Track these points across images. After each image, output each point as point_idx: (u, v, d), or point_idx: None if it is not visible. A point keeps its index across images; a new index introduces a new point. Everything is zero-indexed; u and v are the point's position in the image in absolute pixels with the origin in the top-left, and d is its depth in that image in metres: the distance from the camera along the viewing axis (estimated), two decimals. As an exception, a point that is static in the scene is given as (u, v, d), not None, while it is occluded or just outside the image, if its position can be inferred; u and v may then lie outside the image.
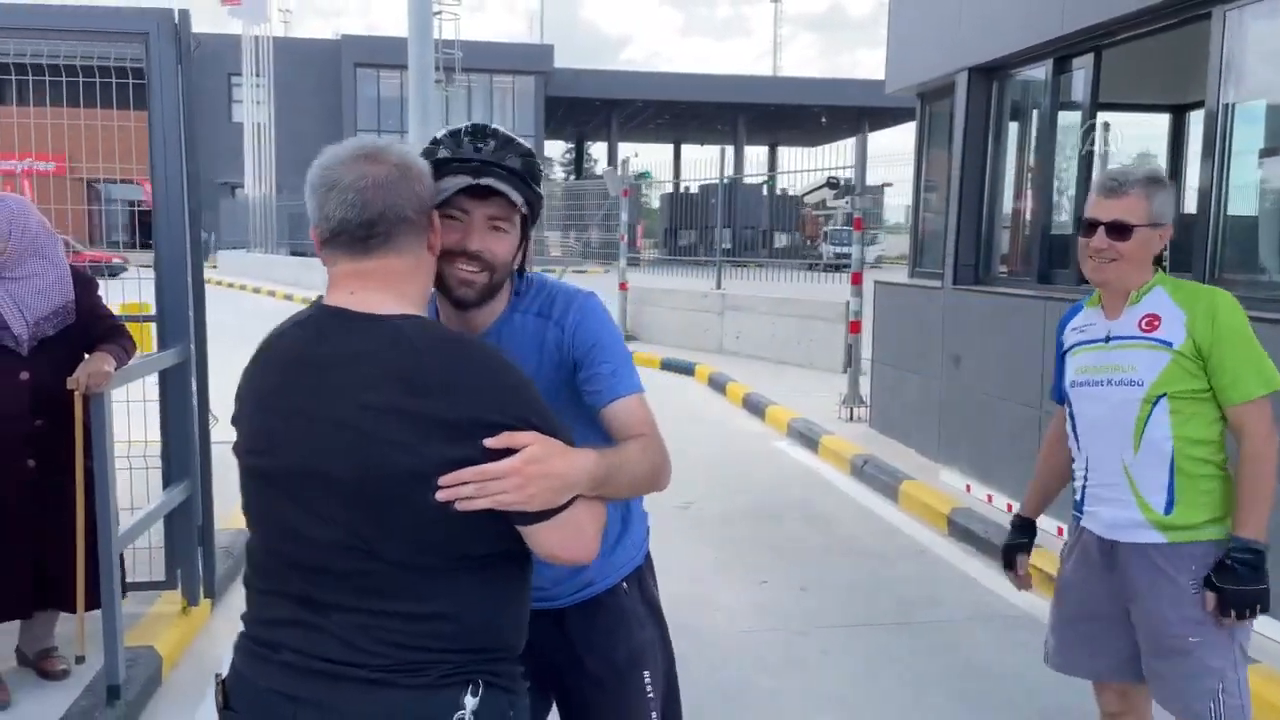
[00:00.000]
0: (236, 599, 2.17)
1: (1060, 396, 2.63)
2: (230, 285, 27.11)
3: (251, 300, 22.96)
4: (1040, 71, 6.04)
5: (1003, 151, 6.60)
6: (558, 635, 1.99)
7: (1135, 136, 7.97)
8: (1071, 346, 2.58)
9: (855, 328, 8.47)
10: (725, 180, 16.71)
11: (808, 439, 7.91)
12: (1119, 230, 2.38)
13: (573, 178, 49.42)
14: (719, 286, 14.37)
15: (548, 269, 17.63)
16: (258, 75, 32.89)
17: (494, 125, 1.81)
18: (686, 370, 11.81)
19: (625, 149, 53.14)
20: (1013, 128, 6.58)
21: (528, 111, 41.70)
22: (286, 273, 27.26)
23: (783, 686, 3.89)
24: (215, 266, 30.84)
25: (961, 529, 5.59)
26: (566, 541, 1.48)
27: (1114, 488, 2.44)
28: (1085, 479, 2.53)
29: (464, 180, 1.70)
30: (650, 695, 2.03)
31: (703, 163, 49.98)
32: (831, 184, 9.84)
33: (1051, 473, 2.76)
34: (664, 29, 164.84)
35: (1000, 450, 5.97)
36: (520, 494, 1.39)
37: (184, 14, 3.66)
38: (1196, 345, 2.33)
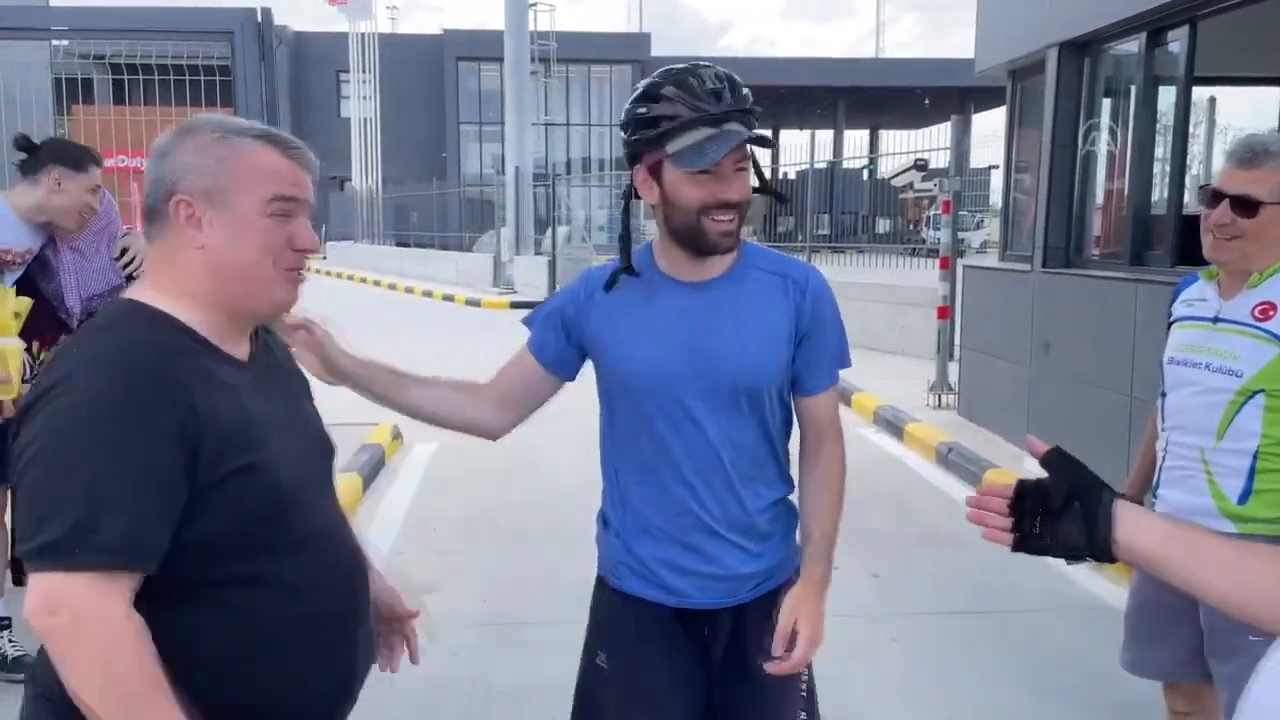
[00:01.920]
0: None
1: None
2: (339, 276, 28.08)
3: (359, 290, 23.77)
4: (1133, 45, 5.80)
5: (1095, 129, 6.37)
6: (734, 631, 1.88)
7: (1245, 110, 7.57)
8: (1178, 319, 2.44)
9: (943, 313, 8.29)
10: (814, 165, 16.44)
11: (893, 426, 7.79)
12: (1245, 205, 2.20)
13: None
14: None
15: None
16: (364, 71, 33.89)
17: (713, 68, 1.73)
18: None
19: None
20: (1105, 104, 6.34)
21: (624, 100, 41.88)
22: (391, 263, 28.10)
23: (847, 673, 3.88)
24: (325, 258, 31.96)
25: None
26: None
27: (1190, 475, 2.33)
28: (1164, 461, 2.42)
29: (733, 133, 1.67)
30: (804, 694, 1.93)
31: (802, 147, 49.22)
32: (919, 166, 9.64)
33: (1154, 452, 2.59)
34: (765, 13, 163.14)
35: (1088, 438, 5.78)
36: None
37: (266, 12, 3.86)
38: None
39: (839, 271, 15.19)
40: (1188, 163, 7.15)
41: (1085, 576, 4.72)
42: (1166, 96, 5.73)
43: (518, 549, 5.32)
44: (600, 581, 1.96)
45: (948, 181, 8.61)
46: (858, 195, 30.14)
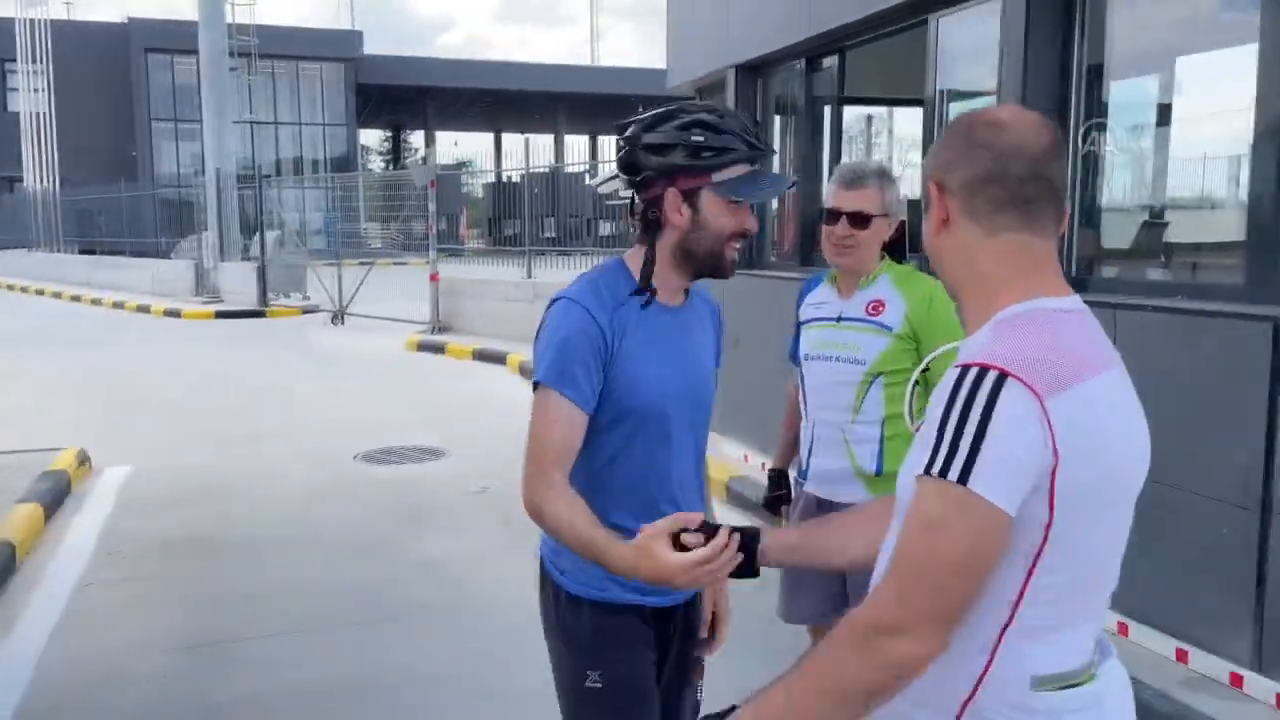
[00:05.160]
0: None
1: (797, 359, 2.94)
2: (10, 288, 25.11)
3: (34, 304, 21.41)
4: (796, 69, 6.51)
5: (770, 142, 7.08)
6: (686, 621, 2.10)
7: (895, 128, 8.63)
8: (807, 321, 2.87)
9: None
10: (532, 169, 16.77)
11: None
12: (859, 219, 2.67)
13: (391, 167, 48.21)
14: (529, 276, 14.52)
15: (365, 261, 17.26)
16: (35, 61, 30.48)
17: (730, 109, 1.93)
18: (499, 360, 11.93)
19: (444, 137, 52.38)
20: (777, 120, 7.05)
21: (337, 99, 40.40)
22: (76, 272, 25.49)
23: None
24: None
25: (738, 495, 6.00)
26: None
27: (833, 452, 2.76)
28: (811, 443, 2.85)
29: (785, 176, 1.91)
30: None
31: (526, 150, 49.60)
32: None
33: (795, 429, 3.06)
34: (482, 14, 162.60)
35: (775, 420, 6.43)
36: None
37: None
38: (913, 328, 2.66)
39: (562, 274, 15.60)
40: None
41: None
42: (825, 114, 6.48)
43: (217, 569, 5.16)
44: (574, 602, 1.96)
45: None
46: (581, 199, 30.87)
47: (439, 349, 13.15)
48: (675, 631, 2.07)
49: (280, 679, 3.91)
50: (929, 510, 1.18)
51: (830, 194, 2.76)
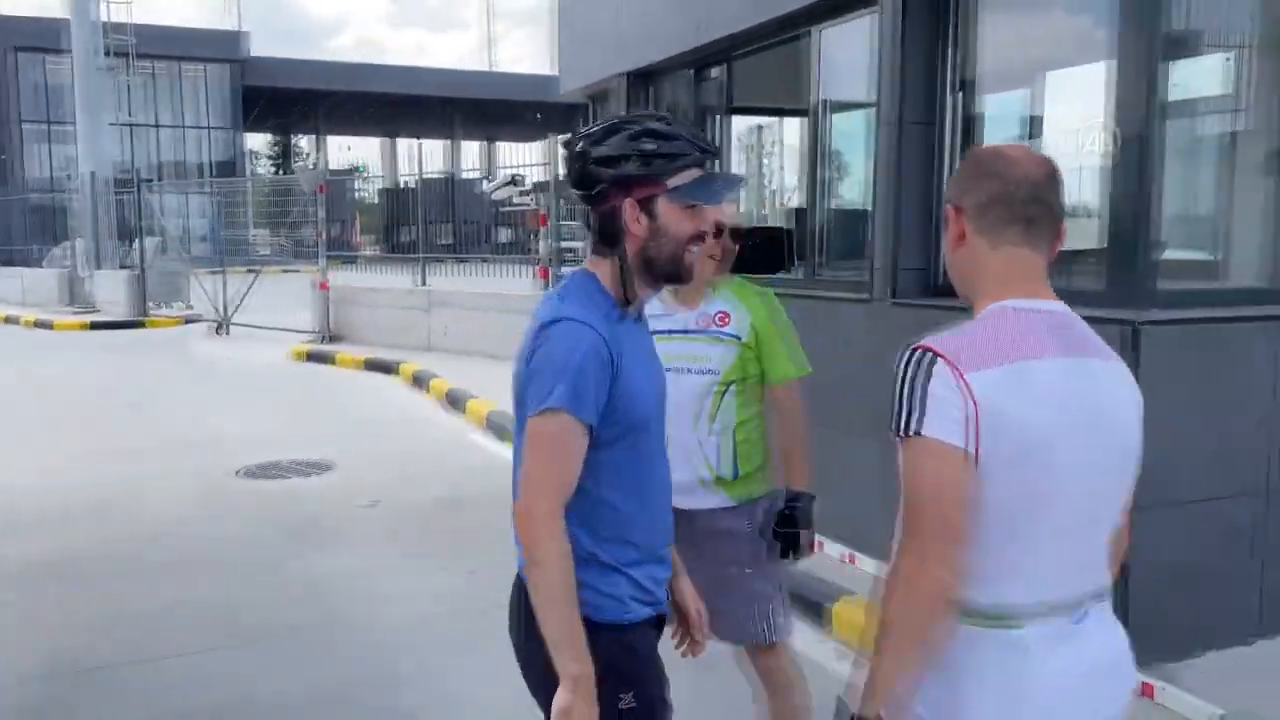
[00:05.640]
0: None
1: None
2: None
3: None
4: (686, 78, 6.57)
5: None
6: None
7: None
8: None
9: (544, 320, 8.77)
10: (425, 174, 16.56)
11: (502, 429, 8.11)
12: (732, 232, 2.73)
13: (280, 172, 46.86)
14: (424, 283, 14.29)
15: (252, 269, 16.71)
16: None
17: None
18: (390, 369, 11.69)
19: (335, 142, 51.22)
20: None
21: (222, 102, 39.11)
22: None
23: (455, 665, 4.05)
24: None
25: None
26: None
27: (690, 463, 2.76)
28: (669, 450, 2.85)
29: (738, 176, 1.98)
30: None
31: (426, 155, 48.79)
32: (515, 181, 10.11)
33: None
34: (375, 17, 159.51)
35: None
36: None
37: None
38: (757, 336, 2.74)
39: (456, 282, 15.43)
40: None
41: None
42: (715, 123, 6.55)
43: (88, 592, 4.90)
44: (598, 628, 1.82)
45: (544, 196, 9.12)
46: (479, 205, 30.58)
47: (328, 359, 12.82)
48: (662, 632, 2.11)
49: (149, 707, 3.73)
50: (905, 463, 1.49)
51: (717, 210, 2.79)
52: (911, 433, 1.47)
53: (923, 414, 1.46)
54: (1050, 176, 1.57)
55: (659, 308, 2.85)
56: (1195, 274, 4.48)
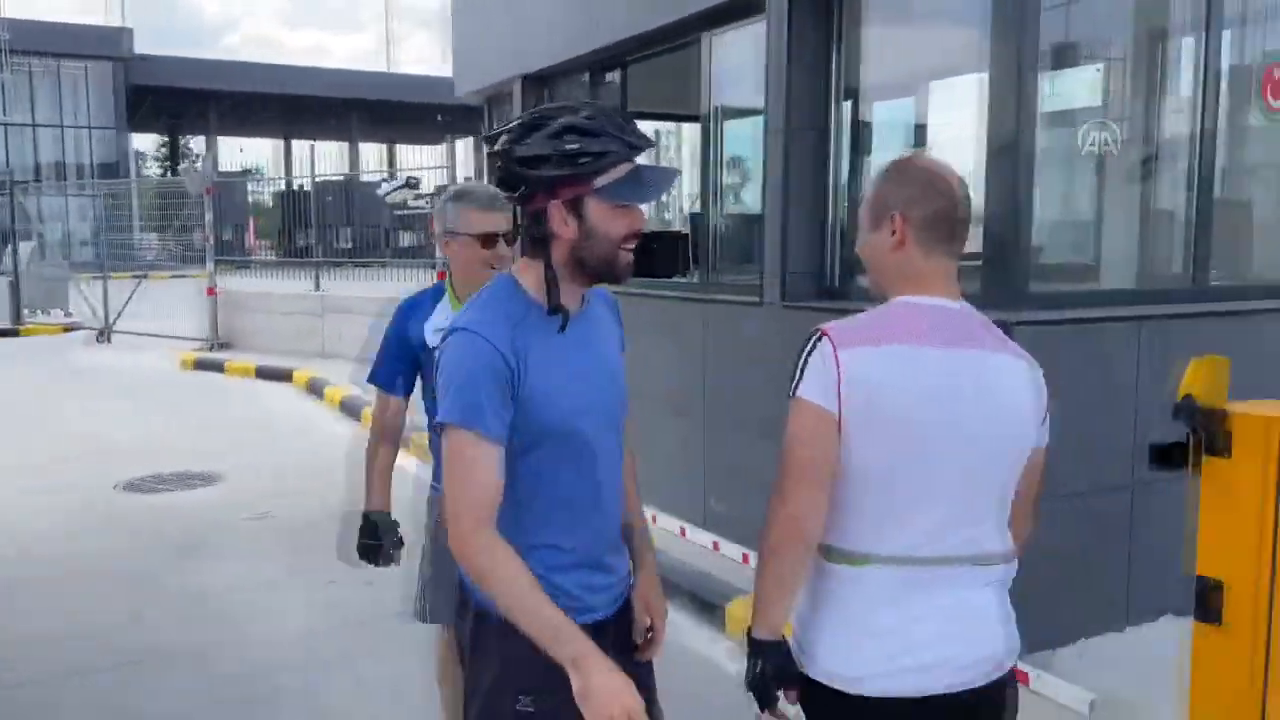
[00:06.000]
0: None
1: (389, 382, 2.81)
2: None
3: None
4: (582, 82, 6.57)
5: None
6: (619, 630, 1.97)
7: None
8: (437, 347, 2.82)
9: (441, 325, 8.65)
10: (324, 178, 16.17)
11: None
12: (498, 238, 2.73)
13: (169, 174, 45.17)
14: (317, 288, 13.94)
15: (137, 274, 16.04)
16: None
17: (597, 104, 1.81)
18: (283, 377, 11.37)
19: (229, 143, 49.60)
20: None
21: (105, 101, 37.44)
22: None
23: (336, 680, 3.95)
24: None
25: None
26: None
27: None
28: None
29: (671, 169, 1.90)
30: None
31: (324, 157, 47.66)
32: (410, 184, 9.95)
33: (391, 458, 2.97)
34: (270, 16, 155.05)
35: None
36: None
37: None
38: None
39: (354, 287, 15.09)
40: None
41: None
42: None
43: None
44: (505, 627, 1.78)
45: (438, 200, 8.98)
46: (379, 209, 30.01)
47: (218, 367, 12.39)
48: (609, 645, 1.92)
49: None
50: (789, 420, 1.75)
51: (472, 218, 2.74)
52: (793, 395, 1.74)
53: (801, 380, 1.73)
54: (967, 195, 1.82)
55: (444, 318, 2.77)
56: (1069, 276, 4.67)
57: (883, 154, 5.12)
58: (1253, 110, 4.79)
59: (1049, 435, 1.92)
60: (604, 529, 1.90)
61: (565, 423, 1.79)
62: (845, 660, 1.76)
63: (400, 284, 15.26)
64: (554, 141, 1.69)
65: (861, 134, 4.97)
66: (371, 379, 2.87)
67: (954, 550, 1.76)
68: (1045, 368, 1.92)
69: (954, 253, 1.81)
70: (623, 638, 1.98)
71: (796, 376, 1.74)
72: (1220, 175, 4.54)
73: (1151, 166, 4.67)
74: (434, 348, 2.76)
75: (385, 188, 10.03)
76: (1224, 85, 4.45)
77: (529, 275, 1.80)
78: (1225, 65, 4.46)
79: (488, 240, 2.72)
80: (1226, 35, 4.39)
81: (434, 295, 2.84)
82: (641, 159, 1.77)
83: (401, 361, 2.81)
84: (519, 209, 1.78)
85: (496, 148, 1.75)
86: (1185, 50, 4.38)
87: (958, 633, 1.77)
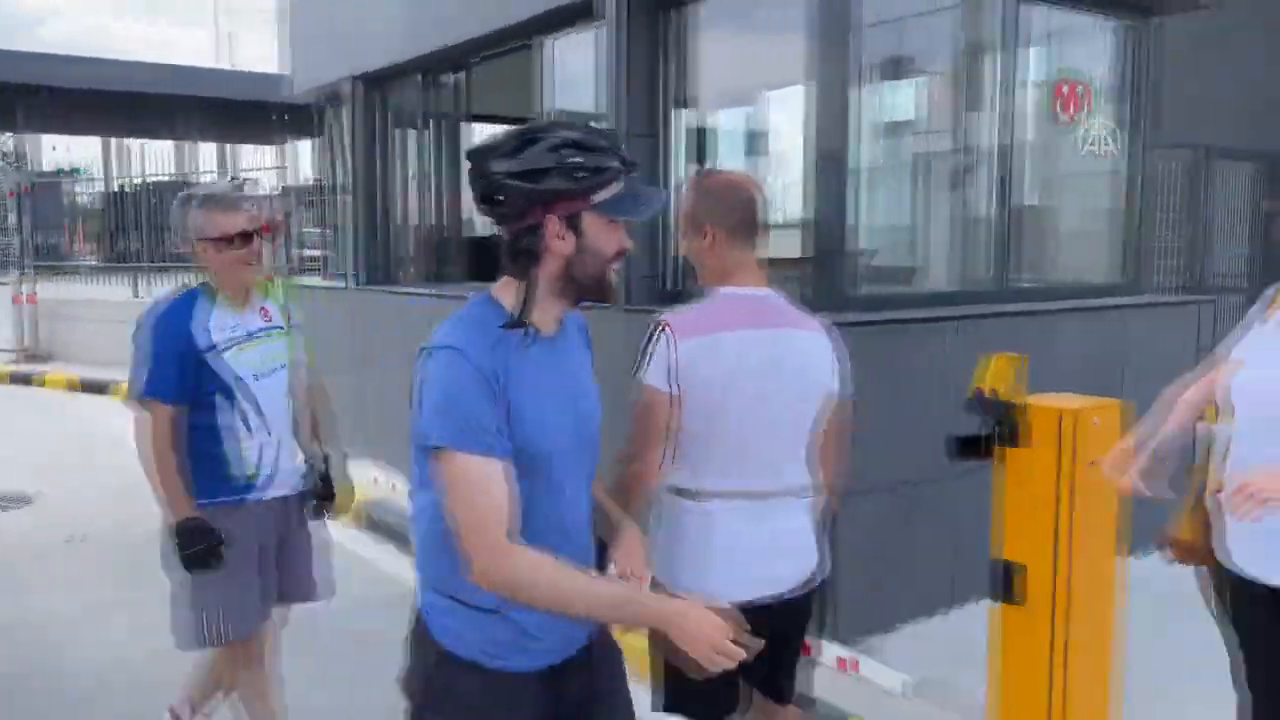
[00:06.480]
0: None
1: (173, 395, 2.75)
2: None
3: None
4: (418, 83, 6.45)
5: (394, 156, 6.95)
6: (583, 665, 1.89)
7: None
8: (225, 346, 2.80)
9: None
10: (154, 179, 15.30)
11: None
12: (260, 235, 2.82)
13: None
14: (137, 295, 13.22)
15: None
16: None
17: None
18: (104, 390, 10.70)
19: (48, 141, 46.29)
20: (403, 135, 6.95)
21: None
22: None
23: (151, 709, 3.74)
24: None
25: (367, 518, 5.80)
26: None
27: (295, 451, 2.98)
28: (276, 453, 2.91)
29: (653, 188, 1.97)
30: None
31: (156, 156, 45.01)
32: (238, 185, 9.54)
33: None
34: (95, 7, 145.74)
35: (404, 438, 6.30)
36: None
37: None
38: (286, 320, 2.97)
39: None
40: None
41: (400, 568, 5.17)
42: (452, 130, 6.47)
43: None
44: (460, 666, 1.76)
45: (278, 201, 8.67)
46: (213, 212, 28.48)
47: (34, 380, 11.55)
48: (571, 679, 1.88)
49: None
50: (638, 399, 2.20)
51: (217, 220, 2.77)
52: (637, 376, 2.19)
53: (647, 364, 2.18)
54: (763, 197, 2.30)
55: (218, 317, 2.83)
56: (890, 279, 4.90)
57: (724, 162, 5.24)
58: (1048, 123, 5.16)
59: (850, 386, 2.35)
60: (572, 557, 1.73)
61: (535, 449, 1.73)
62: (701, 578, 2.18)
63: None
64: (555, 155, 1.68)
65: (702, 142, 5.08)
66: (154, 394, 2.76)
67: (773, 484, 2.26)
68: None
69: (755, 246, 2.28)
70: (592, 664, 1.90)
71: (643, 361, 2.18)
72: (1022, 184, 4.86)
73: (963, 176, 4.95)
74: (216, 347, 2.79)
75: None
76: (1024, 100, 4.77)
77: (507, 293, 1.76)
78: (1026, 81, 4.78)
79: (239, 239, 2.76)
80: (1024, 54, 4.71)
81: (188, 300, 2.81)
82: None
83: (182, 371, 2.77)
84: (502, 226, 1.74)
85: (485, 163, 1.71)
86: (990, 67, 4.67)
87: (786, 549, 2.28)
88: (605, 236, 1.73)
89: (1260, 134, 7.46)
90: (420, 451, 1.70)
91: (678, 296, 4.71)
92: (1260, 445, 2.13)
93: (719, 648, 1.58)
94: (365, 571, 5.16)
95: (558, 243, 1.71)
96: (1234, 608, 2.30)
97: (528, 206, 1.69)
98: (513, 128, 1.74)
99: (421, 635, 1.81)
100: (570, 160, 1.68)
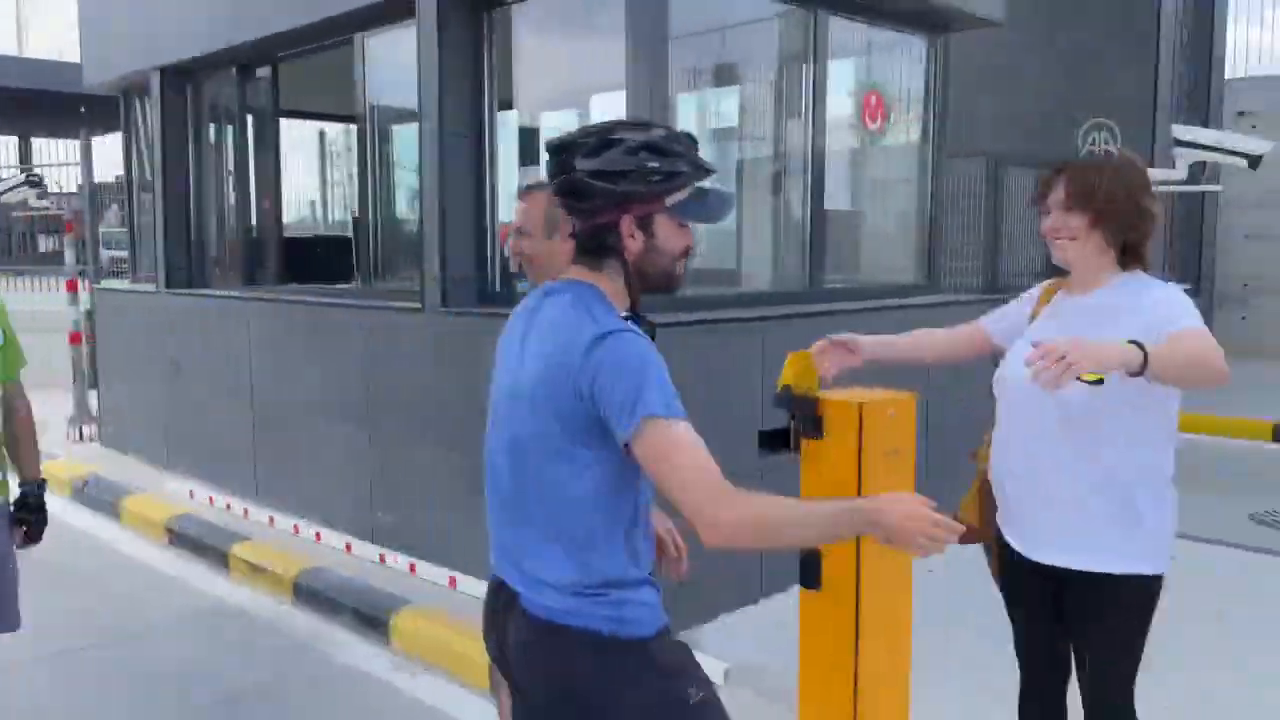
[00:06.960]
0: None
1: None
2: None
3: None
4: (232, 77, 6.17)
5: (204, 153, 6.62)
6: None
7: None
8: None
9: (75, 339, 7.80)
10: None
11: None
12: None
13: None
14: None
15: None
16: None
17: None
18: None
19: None
20: (214, 130, 6.63)
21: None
22: None
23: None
24: None
25: (179, 535, 5.51)
26: None
27: None
28: None
29: (723, 193, 1.92)
30: None
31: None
32: (32, 182, 8.89)
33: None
34: None
35: (219, 449, 6.02)
36: None
37: None
38: (6, 337, 2.89)
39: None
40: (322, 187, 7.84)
41: (214, 585, 4.94)
42: (266, 126, 6.21)
43: None
44: (650, 640, 1.84)
45: (75, 199, 8.10)
46: (9, 213, 26.34)
47: None
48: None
49: None
50: None
51: None
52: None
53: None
54: None
55: None
56: (709, 281, 5.05)
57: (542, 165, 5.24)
58: (856, 131, 5.44)
59: None
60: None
61: None
62: None
63: (37, 294, 13.52)
64: (634, 158, 1.77)
65: (526, 141, 5.07)
66: None
67: None
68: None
69: None
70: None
71: None
72: (831, 188, 5.10)
73: (778, 181, 5.16)
74: None
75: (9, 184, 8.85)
76: (834, 109, 5.01)
77: (605, 284, 1.85)
78: (836, 91, 5.02)
79: None
80: (834, 66, 4.94)
81: None
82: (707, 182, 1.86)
83: None
84: (578, 220, 1.83)
85: (569, 161, 1.79)
86: (802, 78, 4.88)
87: None
88: (674, 237, 1.84)
89: (1044, 144, 8.11)
90: (622, 428, 1.70)
91: (500, 299, 4.70)
92: (1014, 429, 2.35)
93: (928, 533, 1.65)
94: (174, 589, 4.91)
95: (630, 241, 1.81)
96: (1009, 578, 2.50)
97: (604, 205, 1.79)
98: (593, 124, 1.85)
99: (598, 644, 1.80)
100: (648, 165, 1.78)
